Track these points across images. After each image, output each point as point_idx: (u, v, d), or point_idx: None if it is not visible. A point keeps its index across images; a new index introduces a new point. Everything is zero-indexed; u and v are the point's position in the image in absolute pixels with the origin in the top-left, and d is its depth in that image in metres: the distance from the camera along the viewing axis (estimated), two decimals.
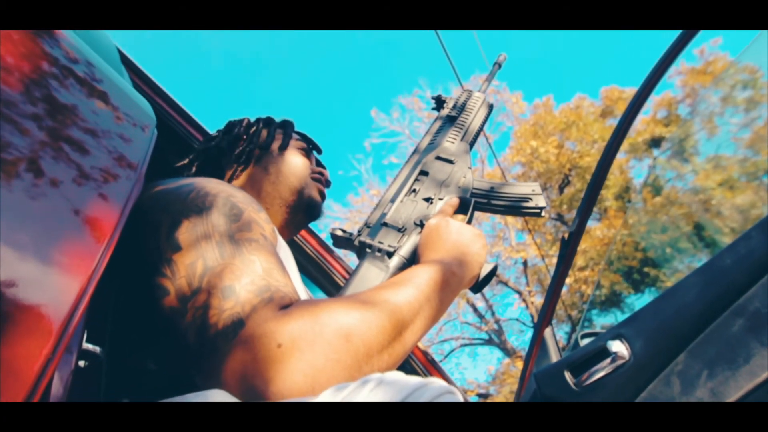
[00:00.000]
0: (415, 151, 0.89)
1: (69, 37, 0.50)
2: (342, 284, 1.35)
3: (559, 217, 10.26)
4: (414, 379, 0.39)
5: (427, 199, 0.78)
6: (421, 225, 0.73)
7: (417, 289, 0.54)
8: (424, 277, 0.57)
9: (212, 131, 0.99)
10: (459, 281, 0.62)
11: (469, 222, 0.77)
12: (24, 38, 0.43)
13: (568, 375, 0.70)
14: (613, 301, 8.33)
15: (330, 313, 0.45)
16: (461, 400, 0.39)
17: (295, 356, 0.42)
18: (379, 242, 0.71)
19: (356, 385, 0.38)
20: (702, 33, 1.12)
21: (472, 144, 0.91)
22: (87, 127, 0.44)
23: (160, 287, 0.49)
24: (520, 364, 9.25)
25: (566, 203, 10.03)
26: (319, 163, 0.96)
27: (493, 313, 10.48)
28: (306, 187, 0.86)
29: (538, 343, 1.13)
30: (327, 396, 0.38)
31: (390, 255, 0.69)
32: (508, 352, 10.03)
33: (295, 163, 0.87)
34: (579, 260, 8.66)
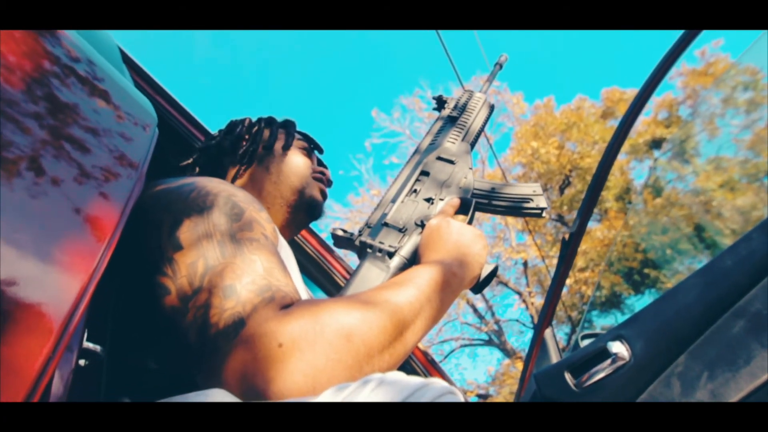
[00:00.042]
0: (416, 152, 0.89)
1: (70, 35, 0.50)
2: (342, 284, 1.35)
3: (560, 218, 10.26)
4: (415, 380, 0.39)
5: (428, 200, 0.78)
6: (422, 225, 0.73)
7: (418, 290, 0.54)
8: (425, 277, 0.57)
9: (213, 131, 0.99)
10: (460, 282, 0.62)
11: (470, 222, 0.77)
12: (26, 37, 0.43)
13: (568, 376, 0.70)
14: (613, 302, 8.33)
15: (331, 312, 0.45)
16: (462, 400, 0.39)
17: (296, 356, 0.42)
18: (380, 242, 0.71)
19: (357, 385, 0.38)
20: (703, 34, 1.11)
21: (473, 144, 0.91)
22: (88, 126, 0.44)
23: (161, 286, 0.49)
24: (519, 365, 9.26)
25: (567, 204, 10.03)
26: (320, 163, 0.96)
27: (493, 314, 10.48)
28: (307, 187, 0.86)
29: (538, 343, 1.13)
30: (328, 396, 0.38)
31: (391, 255, 0.69)
32: (508, 353, 10.03)
33: (296, 162, 0.87)
34: (579, 261, 8.66)
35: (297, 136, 0.93)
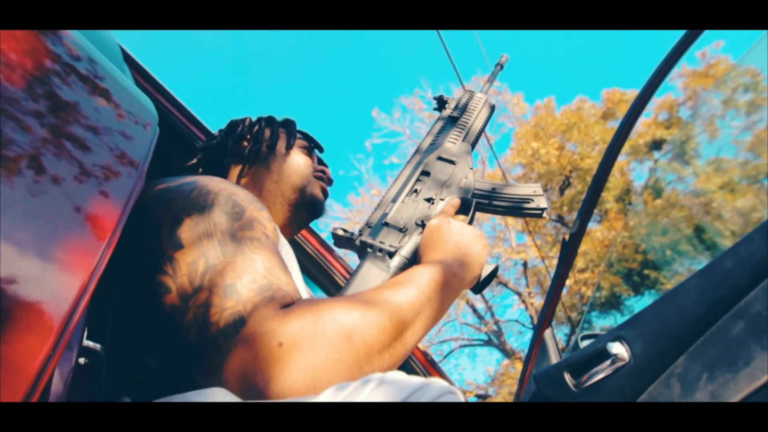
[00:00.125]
0: (416, 152, 0.89)
1: (72, 34, 0.49)
2: (342, 284, 1.35)
3: (560, 219, 10.26)
4: (415, 379, 0.39)
5: (429, 200, 0.78)
6: (423, 225, 0.73)
7: (418, 290, 0.54)
8: (425, 277, 0.57)
9: (214, 130, 0.99)
10: (460, 282, 0.62)
11: (471, 223, 0.77)
12: (27, 35, 0.43)
13: (567, 376, 0.70)
14: (612, 303, 8.33)
15: (331, 312, 0.45)
16: (462, 400, 0.39)
17: (296, 355, 0.42)
18: (381, 242, 0.71)
19: (357, 384, 0.38)
20: (704, 36, 1.11)
21: (473, 145, 0.91)
22: (89, 125, 0.44)
23: (161, 285, 0.49)
24: (519, 366, 9.26)
25: (567, 205, 10.03)
26: (320, 162, 0.96)
27: (492, 314, 10.48)
28: (309, 185, 0.86)
29: (537, 344, 1.13)
30: (328, 395, 0.38)
31: (391, 255, 0.69)
32: (507, 354, 10.03)
33: (297, 161, 0.87)
34: (579, 262, 8.66)
35: (297, 135, 0.93)
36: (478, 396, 9.90)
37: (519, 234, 10.30)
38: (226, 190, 0.56)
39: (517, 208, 0.81)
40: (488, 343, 10.46)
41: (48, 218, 0.36)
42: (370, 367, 0.45)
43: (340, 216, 11.28)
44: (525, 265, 10.34)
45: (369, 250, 0.71)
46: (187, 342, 0.46)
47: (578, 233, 1.18)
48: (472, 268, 0.65)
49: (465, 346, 10.61)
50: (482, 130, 0.95)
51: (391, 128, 11.84)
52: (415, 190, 0.80)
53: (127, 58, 0.93)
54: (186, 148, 1.02)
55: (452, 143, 0.89)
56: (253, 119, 0.92)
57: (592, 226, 9.15)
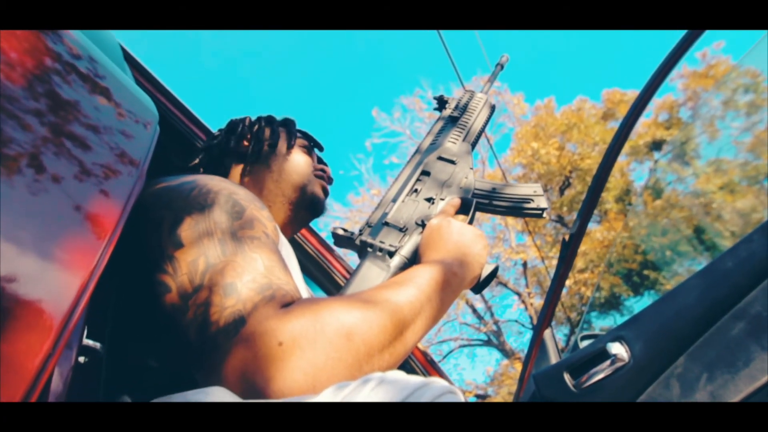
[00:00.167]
0: (416, 151, 0.89)
1: (72, 33, 0.49)
2: (342, 284, 1.35)
3: (560, 219, 10.26)
4: (415, 379, 0.39)
5: (429, 199, 0.78)
6: (423, 225, 0.73)
7: (418, 289, 0.54)
8: (425, 276, 0.57)
9: (215, 129, 0.99)
10: (460, 281, 0.62)
11: (471, 222, 0.77)
12: (27, 34, 0.43)
13: (567, 377, 0.70)
14: (612, 303, 8.34)
15: (331, 311, 0.45)
16: (462, 400, 0.39)
17: (296, 354, 0.42)
18: (381, 242, 0.71)
19: (357, 384, 0.38)
20: (704, 36, 1.11)
21: (474, 145, 0.91)
22: (89, 123, 0.44)
23: (161, 284, 0.49)
24: (518, 366, 9.26)
25: (566, 205, 10.03)
26: (320, 161, 0.96)
27: (492, 315, 10.48)
28: (309, 184, 0.86)
29: (537, 344, 1.13)
30: (328, 395, 0.38)
31: (391, 254, 0.69)
32: (507, 354, 10.03)
33: (298, 160, 0.87)
34: (579, 262, 8.67)
35: (297, 134, 0.93)
36: (478, 396, 9.90)
37: (519, 234, 10.31)
38: (227, 189, 0.56)
39: (517, 208, 0.81)
40: (488, 343, 10.47)
41: (48, 217, 0.36)
42: (370, 366, 0.45)
43: (340, 216, 11.29)
44: (525, 265, 10.35)
45: (369, 249, 0.71)
46: (187, 341, 0.46)
47: (578, 233, 1.18)
48: (472, 268, 0.65)
49: (464, 346, 10.61)
50: (482, 130, 0.95)
51: (392, 128, 11.85)
52: (416, 190, 0.80)
53: (128, 57, 0.93)
54: (186, 147, 1.01)
55: (452, 143, 0.89)
56: (253, 118, 0.92)
57: (591, 226, 9.15)
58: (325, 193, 0.90)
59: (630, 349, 0.66)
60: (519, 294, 10.31)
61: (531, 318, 10.02)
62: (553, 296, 1.19)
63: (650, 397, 0.63)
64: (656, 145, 9.48)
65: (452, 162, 0.84)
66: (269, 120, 0.91)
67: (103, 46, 0.58)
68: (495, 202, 0.81)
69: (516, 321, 10.55)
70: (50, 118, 0.40)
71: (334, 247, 1.35)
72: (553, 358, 1.08)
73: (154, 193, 0.55)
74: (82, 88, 0.47)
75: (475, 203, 0.79)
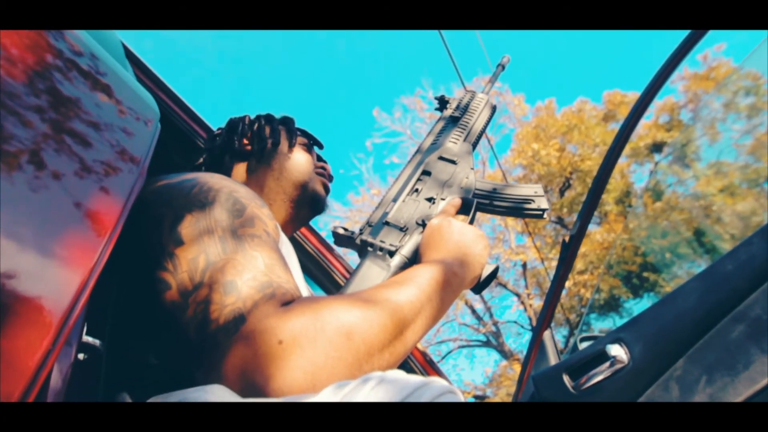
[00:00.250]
0: (417, 151, 0.89)
1: (74, 30, 0.49)
2: (342, 283, 1.35)
3: (560, 221, 10.26)
4: (415, 378, 0.39)
5: (430, 199, 0.78)
6: (423, 225, 0.73)
7: (418, 289, 0.54)
8: (425, 276, 0.57)
9: (215, 127, 0.99)
10: (460, 281, 0.62)
11: (471, 223, 0.77)
12: (29, 30, 0.43)
13: (566, 378, 0.70)
14: (611, 305, 8.34)
15: (331, 310, 0.45)
16: (462, 400, 0.39)
17: (296, 353, 0.42)
18: (381, 241, 0.71)
19: (357, 383, 0.38)
20: (706, 38, 1.11)
21: (474, 145, 0.91)
22: (90, 120, 0.44)
23: (161, 281, 0.48)
24: (517, 367, 9.26)
25: (567, 206, 10.03)
26: (320, 159, 0.96)
27: (491, 315, 10.49)
28: (310, 181, 0.86)
29: (536, 345, 1.13)
30: (327, 394, 0.38)
31: (391, 254, 0.69)
32: (506, 355, 10.03)
33: (298, 158, 0.87)
34: (578, 264, 8.67)
35: (297, 132, 0.93)
36: (476, 397, 9.90)
37: (519, 235, 10.31)
38: (227, 187, 0.56)
39: (517, 209, 0.81)
40: (487, 344, 10.47)
41: (48, 214, 0.36)
42: (369, 365, 0.45)
43: (341, 215, 11.30)
44: (524, 266, 10.35)
45: (369, 249, 0.71)
46: (187, 339, 0.46)
47: (578, 235, 1.18)
48: (472, 268, 0.65)
49: (463, 346, 10.62)
50: (483, 130, 0.95)
51: (392, 128, 11.86)
52: (416, 190, 0.80)
53: (129, 54, 0.93)
54: (187, 145, 1.01)
55: (453, 143, 0.89)
56: (252, 117, 0.92)
57: (592, 228, 9.16)
58: (326, 190, 0.90)
59: (629, 351, 0.66)
60: (518, 295, 10.32)
61: (530, 319, 10.02)
62: (552, 297, 1.19)
63: (649, 399, 0.63)
64: (657, 147, 9.49)
65: (453, 162, 0.84)
66: (269, 118, 0.91)
67: (105, 43, 0.58)
68: (496, 203, 0.81)
69: (515, 322, 10.56)
70: (51, 115, 0.40)
71: (334, 247, 1.35)
72: (553, 360, 1.08)
73: (155, 190, 0.55)
74: (83, 84, 0.46)
75: (476, 203, 0.79)
